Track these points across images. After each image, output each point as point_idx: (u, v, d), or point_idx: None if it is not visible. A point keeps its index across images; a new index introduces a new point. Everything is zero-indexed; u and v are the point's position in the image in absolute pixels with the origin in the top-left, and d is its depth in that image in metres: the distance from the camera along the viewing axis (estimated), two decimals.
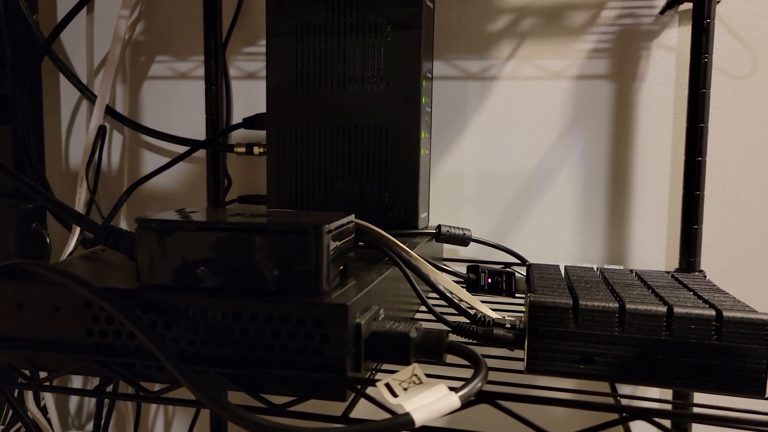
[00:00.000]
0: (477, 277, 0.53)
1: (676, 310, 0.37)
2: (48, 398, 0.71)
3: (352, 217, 0.43)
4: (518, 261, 0.68)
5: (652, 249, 0.70)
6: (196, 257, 0.38)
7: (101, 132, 0.73)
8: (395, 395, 0.33)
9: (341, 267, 0.41)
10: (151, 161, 0.81)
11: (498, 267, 0.56)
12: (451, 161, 0.74)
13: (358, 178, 0.61)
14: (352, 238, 0.44)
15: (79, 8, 0.72)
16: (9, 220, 0.68)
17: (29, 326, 0.39)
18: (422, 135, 0.61)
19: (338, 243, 0.40)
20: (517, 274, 0.54)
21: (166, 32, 0.80)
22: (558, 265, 0.51)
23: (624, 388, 0.65)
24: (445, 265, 0.67)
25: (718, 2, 0.63)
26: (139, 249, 0.38)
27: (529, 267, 0.50)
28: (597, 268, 0.51)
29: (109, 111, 0.75)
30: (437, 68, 0.74)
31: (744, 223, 0.69)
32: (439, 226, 0.63)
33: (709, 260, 0.69)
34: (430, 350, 0.37)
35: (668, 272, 0.50)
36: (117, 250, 0.41)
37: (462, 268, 0.58)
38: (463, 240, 0.63)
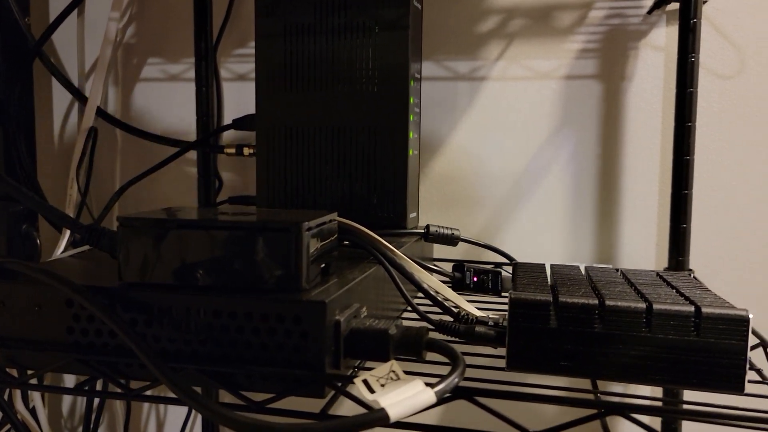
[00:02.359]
0: (463, 276, 0.53)
1: (656, 306, 0.37)
2: (36, 399, 0.71)
3: (334, 216, 0.44)
4: (507, 260, 0.68)
5: (642, 248, 0.70)
6: (176, 255, 0.38)
7: (92, 134, 0.73)
8: (372, 391, 0.33)
9: (323, 265, 0.41)
10: (142, 163, 0.82)
11: (485, 266, 0.56)
12: (441, 161, 0.74)
13: (347, 179, 0.62)
14: (335, 237, 0.44)
15: (70, 11, 0.72)
16: (0, 222, 0.68)
17: (11, 324, 0.39)
18: (411, 135, 0.62)
19: (320, 241, 0.40)
20: (503, 273, 0.54)
21: (157, 34, 0.81)
22: (543, 264, 0.51)
23: (614, 387, 0.65)
24: (435, 264, 0.67)
25: (705, 2, 0.63)
26: (119, 247, 0.38)
27: (515, 266, 0.50)
28: (583, 267, 0.51)
29: (100, 113, 0.75)
30: (427, 69, 0.74)
31: (732, 221, 0.69)
32: (427, 226, 0.63)
33: (698, 259, 0.69)
34: (409, 347, 0.37)
35: (654, 271, 0.50)
36: (100, 249, 0.41)
37: (452, 268, 0.58)
38: (451, 240, 0.63)
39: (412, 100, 0.61)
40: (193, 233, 0.37)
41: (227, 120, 0.79)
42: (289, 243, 0.37)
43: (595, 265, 0.52)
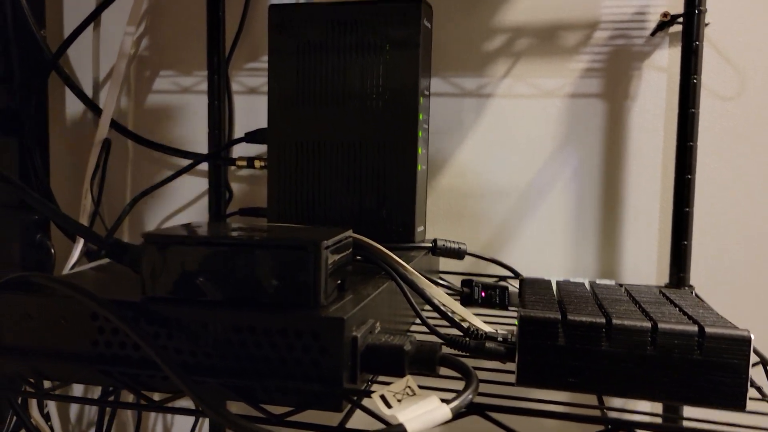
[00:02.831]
0: (471, 291, 0.54)
1: (660, 325, 0.38)
2: (51, 406, 0.72)
3: (350, 232, 0.45)
4: (512, 274, 0.70)
5: (644, 263, 0.72)
6: (198, 271, 0.39)
7: (106, 145, 0.74)
8: (389, 406, 0.34)
9: (339, 281, 0.42)
10: (154, 174, 0.83)
11: (492, 281, 0.57)
12: (448, 175, 0.76)
13: (357, 193, 0.63)
14: (350, 253, 0.45)
15: (86, 25, 0.73)
16: (14, 231, 0.69)
17: (37, 336, 0.41)
18: (419, 151, 0.63)
19: (336, 257, 0.41)
20: (510, 288, 0.55)
21: (170, 47, 0.82)
22: (549, 280, 0.52)
23: (614, 401, 0.67)
24: (440, 277, 0.68)
25: (707, 25, 0.65)
26: (143, 262, 0.40)
27: (522, 281, 0.51)
28: (588, 283, 0.52)
29: (114, 125, 0.77)
30: (435, 85, 0.75)
31: (732, 239, 0.70)
32: (435, 241, 0.65)
33: (698, 275, 0.70)
34: (423, 363, 0.38)
35: (657, 287, 0.51)
36: (122, 263, 0.42)
37: (458, 281, 0.59)
38: (458, 254, 0.65)
39: (421, 117, 0.63)
40: (216, 250, 0.39)
41: (238, 132, 0.81)
42: (309, 260, 0.38)
43: (599, 282, 0.53)
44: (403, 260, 0.50)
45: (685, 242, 0.65)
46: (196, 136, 0.82)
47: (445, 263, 0.74)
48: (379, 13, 0.62)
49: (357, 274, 0.49)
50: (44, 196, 0.74)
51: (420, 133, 0.63)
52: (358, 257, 0.49)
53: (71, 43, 0.73)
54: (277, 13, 0.64)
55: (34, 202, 0.41)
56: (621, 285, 0.52)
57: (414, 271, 0.49)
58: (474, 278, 0.56)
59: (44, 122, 0.77)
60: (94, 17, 0.74)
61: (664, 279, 0.71)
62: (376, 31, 0.62)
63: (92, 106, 0.78)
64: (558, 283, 0.51)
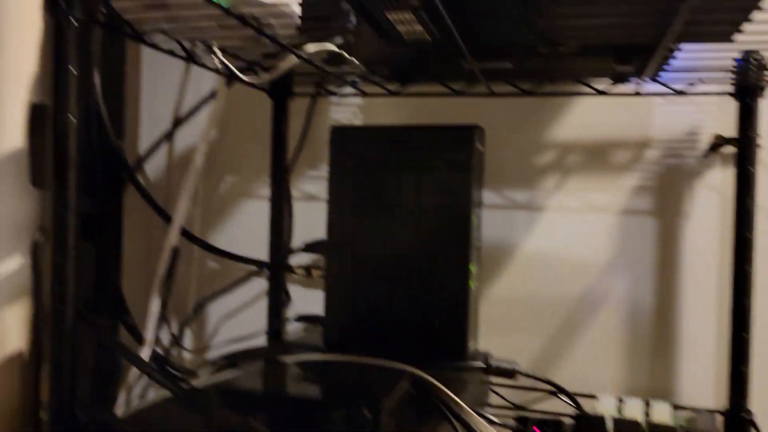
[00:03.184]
0: (525, 429, 0.55)
1: None
2: None
3: (409, 370, 0.47)
4: (561, 391, 0.69)
5: (700, 385, 0.71)
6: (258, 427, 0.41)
7: (174, 252, 0.79)
8: None
9: (396, 422, 0.44)
10: (218, 276, 0.87)
11: (546, 416, 0.58)
12: (499, 286, 0.77)
13: (411, 307, 0.65)
14: (407, 392, 0.47)
15: (161, 141, 0.79)
16: (87, 337, 0.74)
17: None
18: (472, 270, 0.65)
19: (395, 407, 0.43)
20: (565, 422, 0.55)
21: (236, 155, 0.88)
22: (604, 418, 0.52)
23: None
24: (493, 390, 0.69)
25: (761, 147, 0.66)
26: (209, 413, 0.42)
27: (578, 421, 0.52)
28: (644, 419, 0.52)
29: (182, 231, 0.81)
30: (487, 197, 0.78)
31: None
32: (486, 359, 0.65)
33: (757, 400, 0.68)
34: None
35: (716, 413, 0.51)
36: (192, 410, 0.45)
37: (510, 394, 0.60)
38: (510, 374, 0.65)
39: (473, 235, 0.65)
40: (276, 412, 0.41)
41: (296, 237, 0.84)
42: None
43: (656, 415, 0.53)
44: (456, 382, 0.50)
45: (743, 367, 0.64)
46: (257, 239, 0.86)
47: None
48: (435, 138, 0.65)
49: (411, 408, 0.50)
50: (117, 300, 0.78)
51: (472, 252, 0.65)
52: (413, 392, 0.51)
53: (148, 159, 0.79)
54: (339, 133, 0.69)
55: (127, 356, 0.44)
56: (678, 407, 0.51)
57: (470, 410, 0.50)
58: (529, 416, 0.56)
59: (119, 228, 0.83)
60: (169, 136, 0.80)
61: (722, 401, 0.69)
62: (431, 154, 0.65)
63: (163, 215, 0.83)
64: (615, 422, 0.51)
